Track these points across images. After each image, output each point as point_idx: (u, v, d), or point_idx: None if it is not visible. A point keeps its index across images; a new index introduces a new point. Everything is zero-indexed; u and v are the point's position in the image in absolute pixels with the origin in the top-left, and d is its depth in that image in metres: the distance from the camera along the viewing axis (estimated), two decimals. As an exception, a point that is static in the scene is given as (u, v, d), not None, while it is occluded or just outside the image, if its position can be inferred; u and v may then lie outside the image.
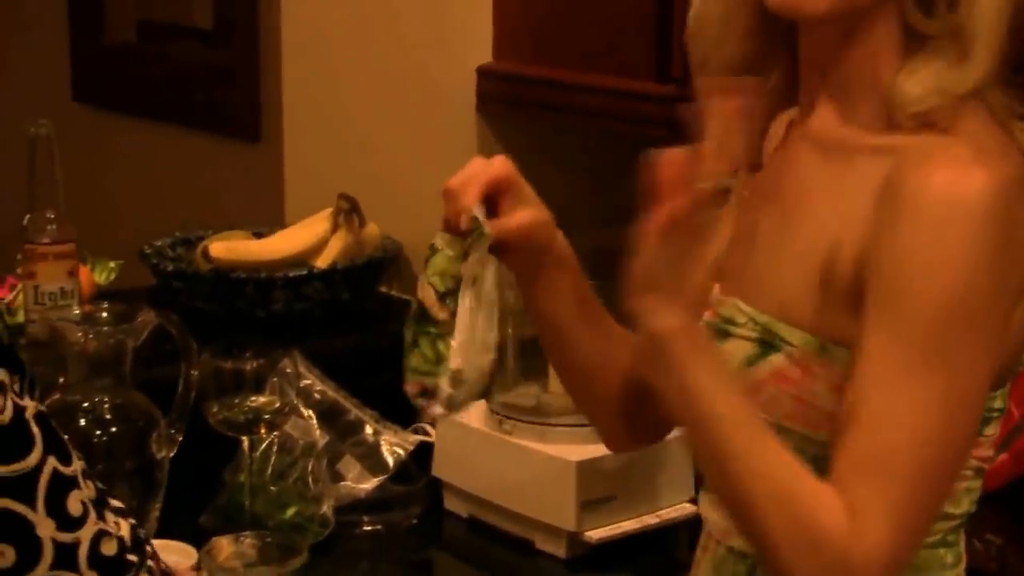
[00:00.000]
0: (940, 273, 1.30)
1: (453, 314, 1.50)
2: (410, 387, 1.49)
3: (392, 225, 2.53)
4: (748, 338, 1.46)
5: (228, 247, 2.44)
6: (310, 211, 2.52)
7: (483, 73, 2.44)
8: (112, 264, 2.46)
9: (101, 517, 1.19)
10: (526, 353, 2.17)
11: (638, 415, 1.63)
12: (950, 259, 1.30)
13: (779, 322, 1.43)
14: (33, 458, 1.15)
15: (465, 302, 1.51)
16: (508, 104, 2.44)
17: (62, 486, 1.17)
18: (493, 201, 1.55)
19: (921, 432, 1.30)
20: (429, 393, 1.48)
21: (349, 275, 2.42)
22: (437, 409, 1.48)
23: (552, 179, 2.41)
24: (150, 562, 1.23)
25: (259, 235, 2.53)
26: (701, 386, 1.35)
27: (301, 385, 2.20)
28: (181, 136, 3.56)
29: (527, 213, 1.55)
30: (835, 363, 1.38)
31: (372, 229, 2.49)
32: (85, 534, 1.17)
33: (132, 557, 1.21)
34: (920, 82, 1.37)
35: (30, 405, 1.17)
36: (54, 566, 1.15)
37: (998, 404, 1.41)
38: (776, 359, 1.42)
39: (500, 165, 1.57)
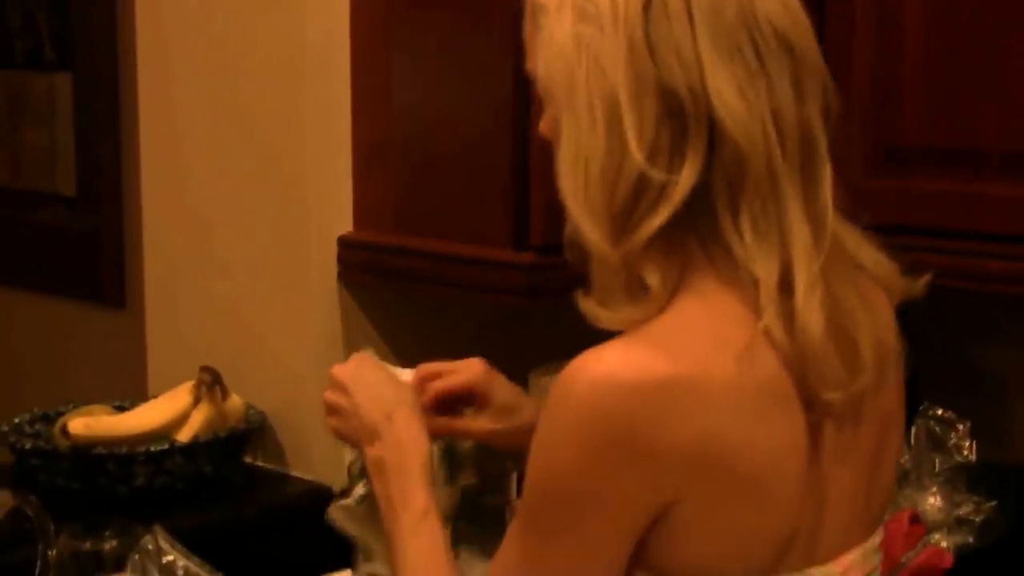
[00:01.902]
0: (538, 452, 1.38)
1: None
2: None
3: (256, 395, 2.52)
4: None
5: (87, 423, 2.41)
6: (174, 381, 2.50)
7: (344, 243, 2.46)
8: (-32, 442, 2.43)
9: None
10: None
11: None
12: (545, 440, 1.37)
13: None
14: None
15: None
16: (370, 274, 2.45)
17: None
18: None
19: None
20: None
21: (212, 448, 2.41)
22: None
23: (414, 348, 2.44)
24: None
25: (120, 409, 2.51)
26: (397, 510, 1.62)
27: (163, 562, 2.15)
28: (44, 304, 3.54)
29: (481, 425, 1.78)
30: None
31: (235, 400, 2.48)
32: None
33: None
34: None
35: None
36: None
37: None
38: None
39: (470, 372, 1.80)
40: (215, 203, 2.61)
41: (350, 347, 2.47)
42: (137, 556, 2.08)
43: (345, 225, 2.46)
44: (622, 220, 1.39)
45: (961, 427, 2.38)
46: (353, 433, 1.74)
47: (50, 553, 2.01)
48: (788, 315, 1.38)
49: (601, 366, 1.34)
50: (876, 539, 1.55)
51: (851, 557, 1.49)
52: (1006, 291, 2.16)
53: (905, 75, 2.24)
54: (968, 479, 2.37)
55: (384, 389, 1.74)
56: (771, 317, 1.37)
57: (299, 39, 2.45)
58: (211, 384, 2.44)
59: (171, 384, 2.50)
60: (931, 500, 2.30)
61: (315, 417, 2.49)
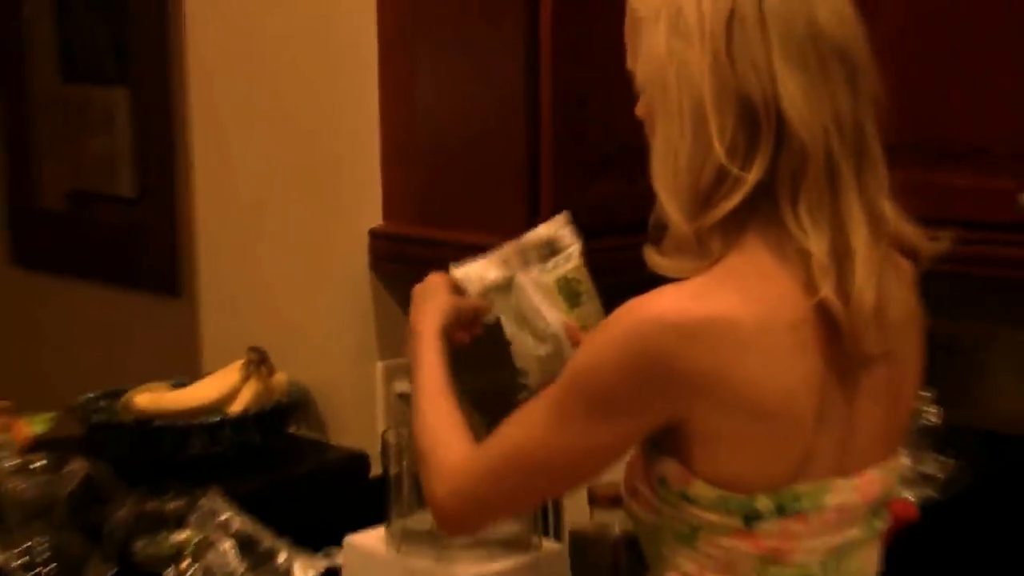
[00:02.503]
0: (585, 351, 1.53)
1: None
2: None
3: (298, 371, 2.54)
4: None
5: (149, 398, 2.42)
6: (225, 360, 2.52)
7: (374, 235, 2.47)
8: (48, 416, 2.44)
9: None
10: (420, 483, 2.19)
11: None
12: (595, 345, 1.51)
13: None
14: None
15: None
16: (398, 262, 2.47)
17: None
18: None
19: (517, 439, 1.58)
20: None
21: (259, 420, 2.42)
22: None
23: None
24: None
25: (179, 385, 2.51)
26: (421, 364, 1.79)
27: (219, 520, 2.18)
28: (109, 294, 3.54)
29: None
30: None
31: (280, 377, 2.49)
32: None
33: None
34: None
35: None
36: None
37: (761, 505, 1.51)
38: None
39: None
40: (260, 202, 2.62)
41: (381, 328, 2.49)
42: (195, 515, 2.11)
43: (375, 218, 2.48)
44: (701, 203, 1.50)
45: (927, 394, 2.39)
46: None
47: (120, 513, 2.03)
48: (843, 288, 1.47)
49: (655, 306, 1.46)
50: (895, 461, 1.64)
51: (872, 472, 1.59)
52: (974, 272, 2.18)
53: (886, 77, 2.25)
54: (933, 440, 2.39)
55: (425, 300, 1.90)
56: (828, 287, 1.47)
57: (333, 54, 2.47)
58: (258, 362, 2.46)
59: (223, 363, 2.52)
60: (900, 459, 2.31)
61: (351, 390, 2.52)
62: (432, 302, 1.88)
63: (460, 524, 1.74)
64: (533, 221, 2.24)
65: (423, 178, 2.42)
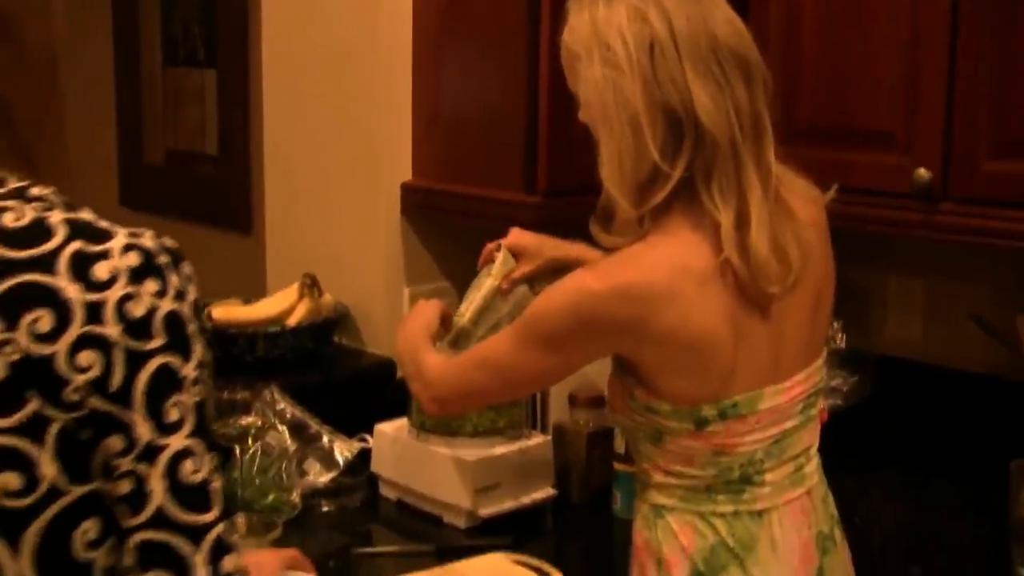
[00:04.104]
0: (541, 302, 1.51)
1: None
2: None
3: (342, 294, 2.49)
4: None
5: (225, 311, 2.39)
6: (284, 284, 2.48)
7: (406, 188, 2.42)
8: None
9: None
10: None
11: None
12: (548, 299, 1.50)
13: None
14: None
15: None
16: (424, 210, 2.42)
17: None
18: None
19: (486, 356, 1.61)
20: None
21: (311, 331, 2.38)
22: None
23: (454, 262, 2.41)
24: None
25: (248, 302, 2.48)
26: (406, 328, 1.82)
27: (277, 408, 2.16)
28: (196, 230, 3.51)
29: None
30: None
31: (327, 297, 2.45)
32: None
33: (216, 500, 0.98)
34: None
35: None
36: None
37: (706, 413, 1.49)
38: None
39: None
40: (315, 162, 2.58)
41: (408, 261, 2.45)
42: (259, 404, 2.08)
43: (406, 175, 2.43)
44: (640, 193, 1.47)
45: (835, 324, 2.36)
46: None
47: (198, 401, 1.99)
48: (743, 245, 1.45)
49: (588, 279, 1.46)
50: (818, 362, 1.60)
51: (796, 376, 1.56)
52: (870, 230, 2.13)
53: (802, 73, 2.18)
54: (839, 360, 2.36)
55: (419, 304, 1.91)
56: (730, 250, 1.45)
57: (377, 50, 2.41)
58: (311, 285, 2.42)
59: (283, 286, 2.48)
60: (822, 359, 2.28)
61: (383, 309, 2.48)
62: (427, 305, 1.90)
63: (441, 414, 1.84)
64: (531, 180, 2.20)
65: (444, 145, 2.37)
